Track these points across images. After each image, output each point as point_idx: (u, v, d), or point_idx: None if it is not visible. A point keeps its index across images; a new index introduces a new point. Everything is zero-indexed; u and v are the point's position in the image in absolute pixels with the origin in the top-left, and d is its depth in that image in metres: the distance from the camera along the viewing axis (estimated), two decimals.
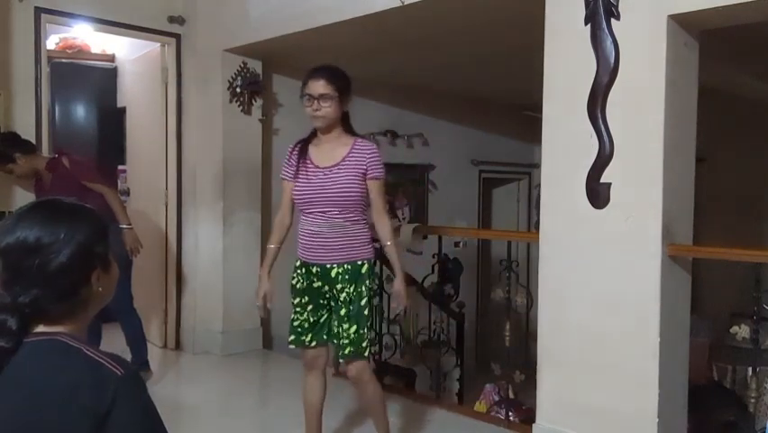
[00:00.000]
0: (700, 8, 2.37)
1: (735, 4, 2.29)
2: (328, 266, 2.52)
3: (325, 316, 2.59)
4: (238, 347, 4.52)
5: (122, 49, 5.40)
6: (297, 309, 2.62)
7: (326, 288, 2.55)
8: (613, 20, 2.57)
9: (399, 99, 5.74)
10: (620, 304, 2.61)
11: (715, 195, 4.94)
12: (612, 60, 2.58)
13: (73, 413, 1.04)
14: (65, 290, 1.12)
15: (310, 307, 2.59)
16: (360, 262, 2.51)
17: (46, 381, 1.07)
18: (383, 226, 2.58)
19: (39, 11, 3.91)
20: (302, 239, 2.59)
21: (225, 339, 4.49)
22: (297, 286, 2.62)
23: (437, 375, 3.84)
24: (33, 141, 3.85)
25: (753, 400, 2.75)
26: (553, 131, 2.83)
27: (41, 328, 1.12)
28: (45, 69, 4.03)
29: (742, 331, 3.60)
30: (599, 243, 2.67)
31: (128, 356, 3.66)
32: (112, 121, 5.41)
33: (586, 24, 2.65)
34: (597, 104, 2.63)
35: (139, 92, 5.05)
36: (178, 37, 4.53)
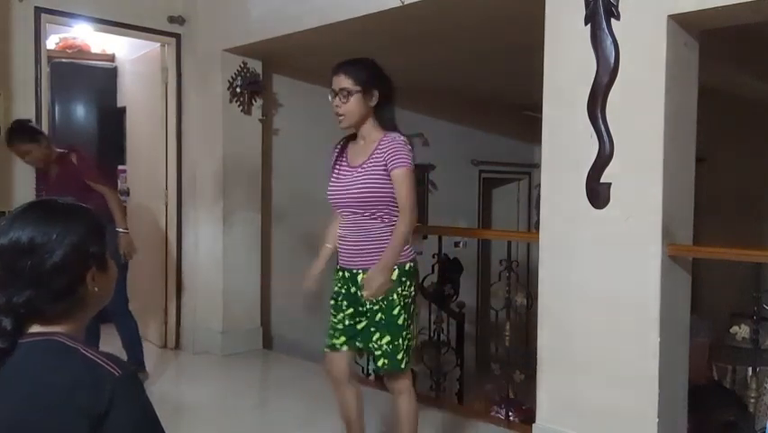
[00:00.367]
0: (700, 8, 2.37)
1: (735, 4, 2.29)
2: (354, 271, 2.37)
3: (364, 323, 2.40)
4: (238, 347, 4.52)
5: (122, 49, 5.40)
6: (333, 312, 2.46)
7: (359, 293, 2.36)
8: (613, 20, 2.57)
9: (399, 99, 5.72)
10: (620, 304, 2.61)
11: (715, 195, 4.94)
12: (612, 60, 2.58)
13: (70, 414, 1.04)
14: (60, 291, 1.11)
15: (350, 311, 2.41)
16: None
17: (43, 381, 1.07)
18: (398, 222, 2.30)
19: (39, 11, 3.92)
20: (337, 242, 2.45)
21: (225, 339, 4.49)
22: (335, 288, 2.46)
23: (437, 375, 3.84)
24: None
25: (753, 400, 2.75)
26: (553, 131, 2.83)
27: (38, 328, 1.12)
28: (45, 68, 4.04)
29: (742, 331, 3.60)
30: (599, 243, 2.67)
31: (124, 357, 3.66)
32: (112, 121, 5.42)
33: (586, 24, 2.65)
34: (597, 104, 2.63)
35: (139, 92, 5.05)
36: (178, 37, 4.53)
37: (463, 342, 5.40)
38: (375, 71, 2.38)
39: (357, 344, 2.44)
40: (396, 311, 2.30)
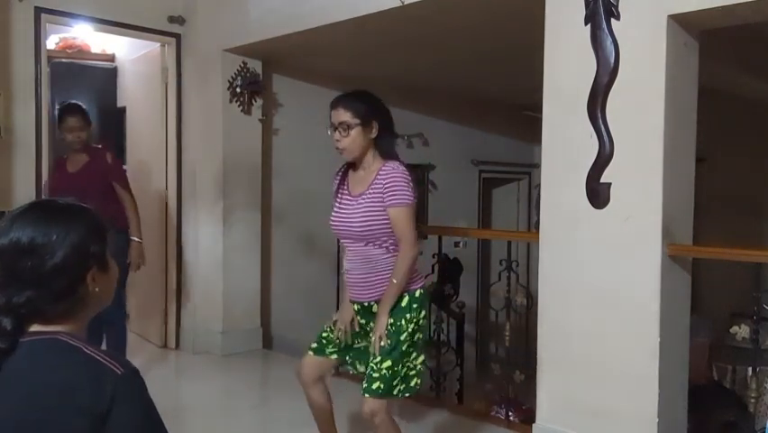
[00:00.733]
0: (700, 8, 2.37)
1: (735, 4, 2.29)
2: (366, 304, 2.38)
3: (362, 345, 2.43)
4: (238, 347, 4.52)
5: (122, 49, 5.40)
6: (331, 326, 2.48)
7: (370, 325, 2.38)
8: (613, 20, 2.57)
9: (399, 99, 5.72)
10: (620, 304, 2.61)
11: (715, 195, 4.94)
12: (612, 60, 2.58)
13: (72, 412, 1.04)
14: (60, 291, 1.12)
15: (350, 331, 2.45)
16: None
17: (45, 380, 1.07)
18: (398, 260, 2.28)
19: (39, 11, 3.91)
20: (345, 276, 2.44)
21: (225, 339, 4.49)
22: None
23: (437, 375, 3.84)
24: (33, 140, 3.87)
25: (753, 400, 2.75)
26: (553, 131, 2.83)
27: (39, 328, 1.12)
28: (45, 68, 4.04)
29: (742, 331, 3.60)
30: (599, 243, 2.67)
31: None
32: (112, 121, 5.41)
33: (586, 24, 2.65)
34: (597, 104, 2.63)
35: (139, 92, 5.05)
36: (178, 37, 4.53)
37: (463, 342, 5.39)
38: (373, 103, 2.36)
39: (347, 358, 2.47)
40: (403, 337, 2.29)
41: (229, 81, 4.43)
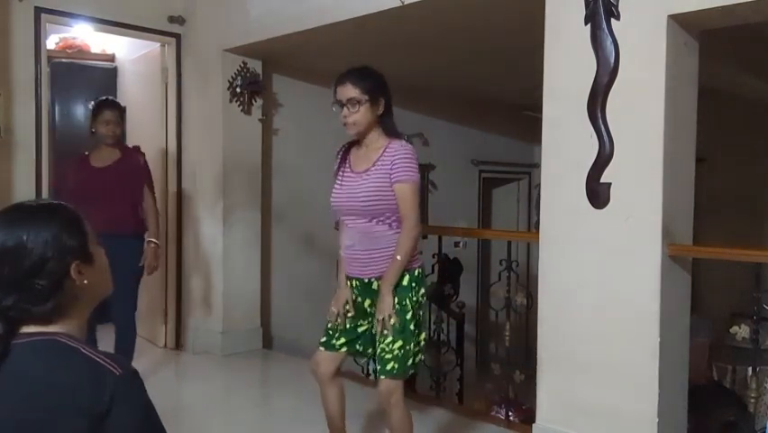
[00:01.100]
0: (700, 8, 2.37)
1: (735, 4, 2.29)
2: (366, 280, 2.37)
3: (365, 327, 2.42)
4: (238, 347, 4.52)
5: (122, 49, 5.40)
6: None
7: (368, 302, 2.39)
8: (613, 20, 2.57)
9: (399, 99, 5.71)
10: (620, 304, 2.61)
11: (715, 195, 4.93)
12: (612, 60, 2.58)
13: (71, 413, 1.04)
14: (45, 289, 1.11)
15: (351, 314, 2.43)
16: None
17: (44, 380, 1.07)
18: (400, 237, 2.30)
19: (39, 11, 3.91)
20: (343, 252, 2.45)
21: (225, 339, 4.49)
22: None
23: (437, 375, 3.84)
24: (33, 140, 3.88)
25: (753, 400, 2.75)
26: (553, 131, 2.83)
27: (37, 329, 1.12)
28: (45, 68, 4.04)
29: (742, 331, 3.60)
30: (599, 243, 2.67)
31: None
32: None
33: (586, 24, 2.65)
34: (597, 104, 2.63)
35: (139, 92, 5.05)
36: (178, 37, 4.53)
37: (463, 342, 5.39)
38: (380, 80, 2.38)
39: (357, 347, 2.45)
40: (409, 316, 2.31)
41: (229, 81, 4.43)
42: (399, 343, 2.29)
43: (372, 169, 2.32)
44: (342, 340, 2.44)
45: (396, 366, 2.29)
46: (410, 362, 2.32)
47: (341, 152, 2.48)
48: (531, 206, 7.31)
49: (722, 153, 5.49)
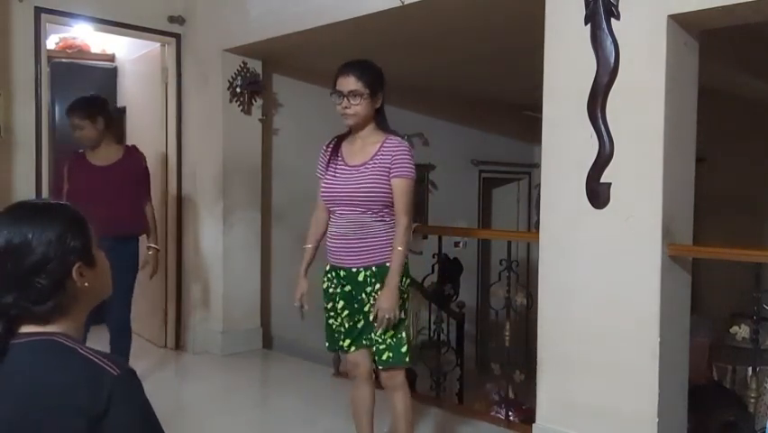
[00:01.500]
0: (700, 8, 2.37)
1: (735, 4, 2.29)
2: (354, 270, 2.40)
3: (363, 321, 2.44)
4: (238, 347, 4.52)
5: (122, 49, 5.40)
6: (331, 314, 2.50)
7: (355, 292, 2.43)
8: (613, 20, 2.57)
9: (399, 99, 5.73)
10: (620, 304, 2.61)
11: (715, 195, 4.93)
12: (612, 60, 2.58)
13: (69, 413, 1.04)
14: (45, 289, 1.11)
15: (346, 312, 2.45)
16: (388, 264, 2.35)
17: (42, 381, 1.07)
18: (397, 228, 2.37)
19: (39, 11, 3.92)
20: (329, 242, 2.48)
21: (225, 339, 4.49)
22: (330, 290, 2.49)
23: (437, 375, 3.84)
24: (33, 140, 3.87)
25: (753, 400, 2.75)
26: (553, 131, 2.83)
27: (36, 329, 1.12)
28: (45, 68, 4.04)
29: (742, 331, 3.59)
30: (599, 243, 2.67)
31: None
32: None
33: (586, 24, 2.65)
34: (597, 104, 2.63)
35: (139, 92, 5.05)
36: (178, 37, 4.53)
37: (463, 342, 5.39)
38: (381, 74, 2.43)
39: (364, 342, 2.48)
40: (398, 306, 2.36)
41: (229, 81, 4.43)
42: (391, 332, 2.37)
43: (370, 162, 2.36)
44: (348, 341, 2.48)
45: (391, 355, 2.38)
46: (404, 348, 2.39)
47: (330, 146, 2.51)
48: (531, 206, 7.31)
49: (722, 153, 5.48)
